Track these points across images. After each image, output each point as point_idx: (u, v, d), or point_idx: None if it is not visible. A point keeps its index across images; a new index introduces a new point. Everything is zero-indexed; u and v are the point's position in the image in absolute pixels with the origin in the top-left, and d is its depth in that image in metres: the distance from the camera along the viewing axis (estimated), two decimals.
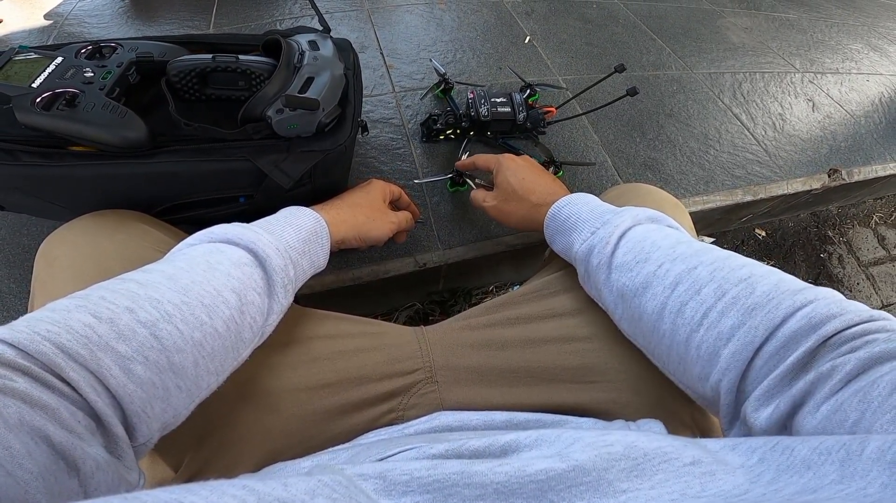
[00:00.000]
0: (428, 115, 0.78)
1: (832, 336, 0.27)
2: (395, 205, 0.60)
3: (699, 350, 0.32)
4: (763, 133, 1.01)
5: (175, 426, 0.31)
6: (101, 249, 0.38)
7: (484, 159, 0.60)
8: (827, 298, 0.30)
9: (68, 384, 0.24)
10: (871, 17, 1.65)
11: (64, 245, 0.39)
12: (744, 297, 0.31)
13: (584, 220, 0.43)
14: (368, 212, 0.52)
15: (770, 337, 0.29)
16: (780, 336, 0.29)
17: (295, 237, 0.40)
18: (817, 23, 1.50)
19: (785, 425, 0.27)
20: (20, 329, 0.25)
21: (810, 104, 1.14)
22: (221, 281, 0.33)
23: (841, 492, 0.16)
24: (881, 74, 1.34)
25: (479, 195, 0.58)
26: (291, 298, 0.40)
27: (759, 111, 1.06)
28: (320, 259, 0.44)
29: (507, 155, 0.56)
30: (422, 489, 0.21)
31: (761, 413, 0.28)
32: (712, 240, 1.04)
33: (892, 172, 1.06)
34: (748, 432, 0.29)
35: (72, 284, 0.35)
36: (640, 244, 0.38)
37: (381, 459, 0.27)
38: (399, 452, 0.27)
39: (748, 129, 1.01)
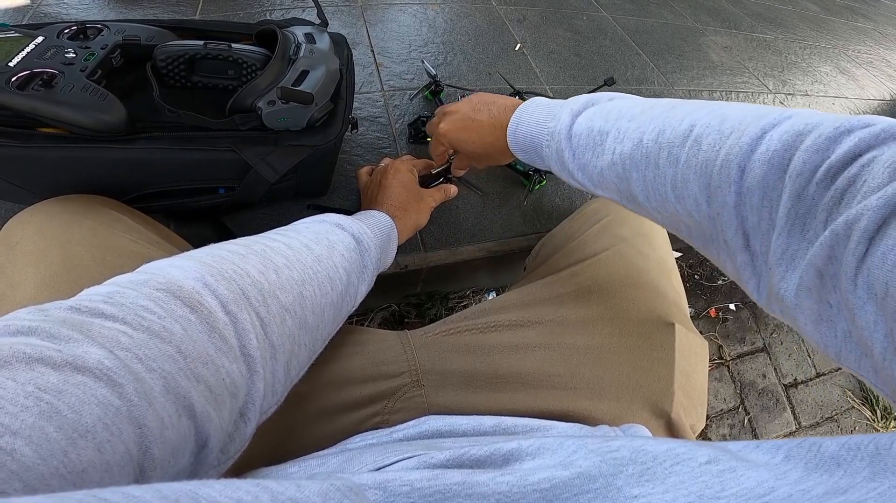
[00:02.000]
0: (416, 116, 0.78)
1: (814, 172, 0.23)
2: (421, 173, 0.61)
3: (692, 217, 0.30)
4: None
5: (276, 408, 0.31)
6: (67, 235, 0.36)
7: (440, 150, 0.57)
8: (780, 124, 0.25)
9: (236, 329, 0.25)
10: (842, 40, 1.74)
11: (27, 229, 0.37)
12: (693, 157, 0.28)
13: (537, 135, 0.43)
14: (416, 204, 0.54)
15: (741, 191, 0.26)
16: (750, 188, 0.25)
17: (380, 236, 0.44)
18: (792, 44, 1.57)
19: (824, 300, 0.23)
20: (208, 263, 0.27)
21: None
22: (338, 260, 0.36)
23: (873, 490, 0.15)
24: (846, 98, 1.42)
25: (459, 162, 0.58)
26: (372, 286, 0.43)
27: None
28: (390, 258, 0.48)
29: (436, 125, 0.55)
30: (423, 500, 0.20)
31: (789, 282, 0.24)
32: (679, 254, 1.07)
33: None
34: (781, 306, 0.25)
35: (33, 269, 0.34)
36: (588, 138, 0.38)
37: (379, 468, 0.26)
38: (398, 461, 0.26)
39: None
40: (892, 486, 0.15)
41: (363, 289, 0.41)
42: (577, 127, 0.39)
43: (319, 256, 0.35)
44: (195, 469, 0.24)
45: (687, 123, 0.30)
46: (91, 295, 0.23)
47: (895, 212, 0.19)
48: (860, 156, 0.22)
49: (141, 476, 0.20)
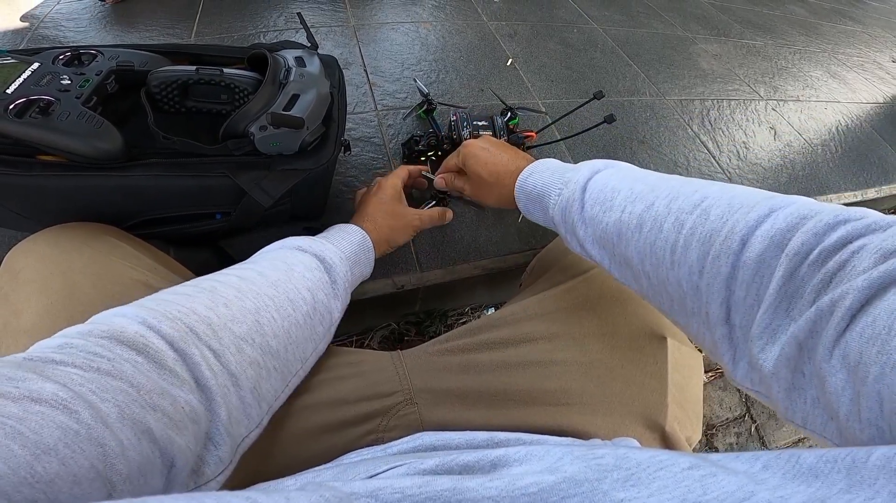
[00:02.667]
0: (410, 135, 0.79)
1: (808, 254, 0.25)
2: (410, 187, 0.62)
3: (681, 287, 0.31)
4: (728, 161, 1.06)
5: (259, 430, 0.33)
6: (68, 263, 0.37)
7: (452, 163, 0.59)
8: (787, 207, 0.27)
9: (186, 364, 0.27)
10: (831, 44, 1.75)
11: (29, 257, 0.38)
12: (700, 225, 0.30)
13: (549, 184, 0.45)
14: (391, 221, 0.55)
15: (737, 264, 0.27)
16: (747, 262, 0.27)
17: (349, 248, 0.46)
18: (781, 49, 1.59)
19: (799, 369, 0.24)
20: (150, 307, 0.29)
21: (772, 132, 1.20)
22: (299, 280, 0.38)
23: (849, 502, 0.15)
24: (838, 102, 1.42)
25: (458, 183, 0.58)
26: (349, 300, 0.45)
27: (724, 139, 1.12)
28: (367, 268, 0.50)
29: (465, 143, 0.56)
30: None
31: (768, 353, 0.26)
32: None
33: (845, 202, 1.12)
34: (759, 375, 0.27)
35: (36, 298, 0.34)
36: (601, 193, 0.39)
37: (371, 477, 0.27)
38: (388, 469, 0.27)
39: (714, 157, 1.06)
40: (867, 499, 0.15)
41: (337, 305, 0.43)
42: (595, 182, 0.40)
43: (276, 281, 0.36)
44: (168, 489, 0.25)
45: (699, 195, 0.32)
46: (42, 347, 0.25)
47: (877, 293, 0.21)
48: (850, 242, 0.24)
49: (112, 489, 0.22)
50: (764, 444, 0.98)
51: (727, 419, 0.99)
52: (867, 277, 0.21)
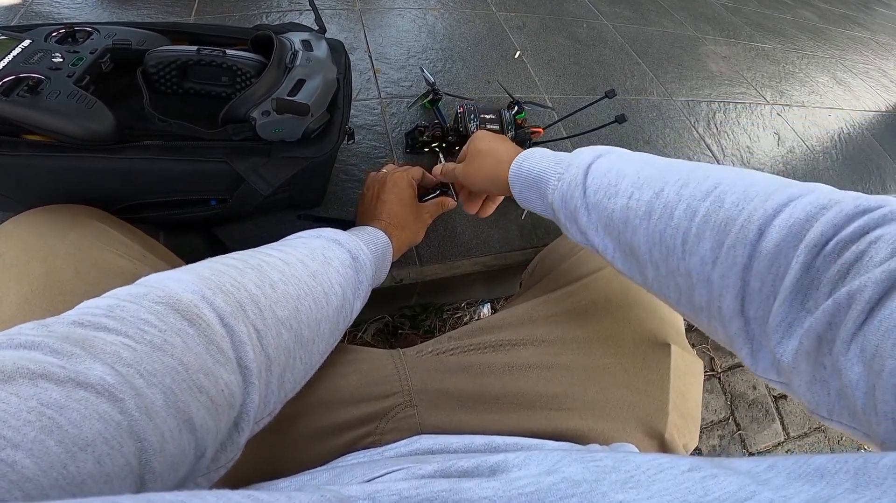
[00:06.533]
0: (414, 125, 0.77)
1: (825, 244, 0.24)
2: (422, 185, 0.60)
3: (690, 278, 0.30)
4: (731, 165, 1.05)
5: (270, 419, 0.32)
6: (50, 248, 0.36)
7: (461, 154, 0.58)
8: (805, 195, 0.26)
9: (232, 341, 0.26)
10: (839, 50, 1.75)
11: (10, 241, 0.36)
12: (714, 213, 0.28)
13: (547, 169, 0.43)
14: (412, 224, 0.54)
15: (753, 254, 0.26)
16: (763, 252, 0.26)
17: (376, 252, 0.45)
18: (790, 54, 1.58)
19: (819, 362, 0.24)
20: (206, 276, 0.27)
21: (776, 137, 1.20)
22: (334, 275, 0.37)
23: (855, 501, 0.15)
24: (842, 109, 1.42)
25: (449, 165, 0.57)
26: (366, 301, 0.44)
27: (729, 143, 1.11)
28: (384, 274, 0.49)
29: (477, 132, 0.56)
30: None
31: (786, 346, 0.25)
32: None
33: None
34: (777, 366, 0.26)
35: (15, 285, 0.33)
36: (605, 177, 0.37)
37: (368, 481, 0.26)
38: (387, 473, 0.27)
39: (718, 161, 1.05)
40: (873, 499, 0.15)
41: (358, 305, 0.42)
42: (598, 166, 0.39)
43: (315, 272, 0.35)
44: (187, 479, 0.24)
45: (712, 182, 0.30)
46: (92, 308, 0.24)
47: (895, 285, 0.20)
48: (868, 233, 0.23)
49: (142, 488, 0.21)
50: (745, 447, 0.99)
51: (712, 422, 1.00)
52: (885, 269, 0.21)
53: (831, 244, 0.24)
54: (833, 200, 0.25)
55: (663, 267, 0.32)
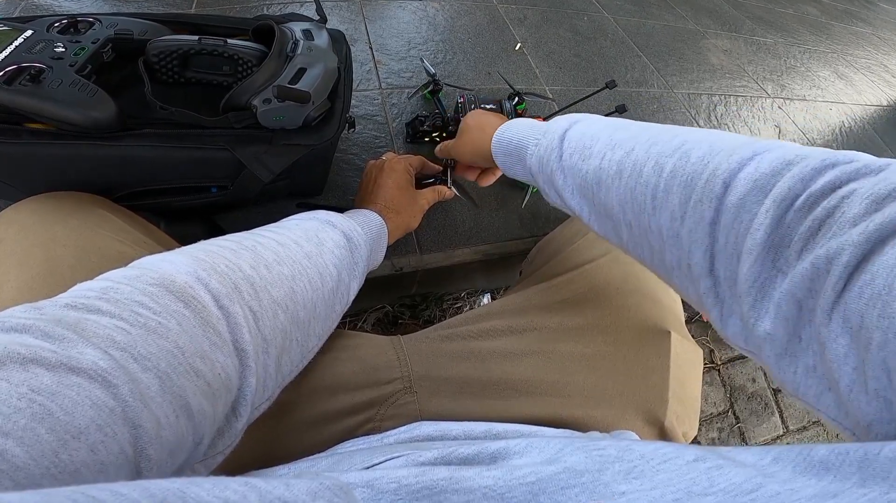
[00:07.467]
0: (414, 115, 0.77)
1: (795, 199, 0.23)
2: (420, 173, 0.61)
3: (661, 235, 0.29)
4: None
5: (269, 404, 0.32)
6: (51, 235, 0.35)
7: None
8: (772, 150, 0.25)
9: (228, 323, 0.26)
10: (841, 45, 1.74)
11: (11, 227, 0.36)
12: (680, 168, 0.28)
13: (526, 136, 0.44)
14: (409, 209, 0.55)
15: (720, 208, 0.25)
16: (728, 206, 0.25)
17: (370, 234, 0.45)
18: (791, 48, 1.57)
19: (796, 334, 0.22)
20: (200, 258, 0.27)
21: (777, 130, 1.20)
22: (328, 256, 0.37)
23: (863, 496, 0.15)
24: (843, 103, 1.42)
25: (447, 142, 0.59)
26: (362, 283, 0.44)
27: None
28: (380, 257, 0.49)
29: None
30: (410, 496, 0.20)
31: (760, 311, 0.24)
32: None
33: None
34: (747, 333, 0.25)
35: (16, 271, 0.33)
36: (580, 140, 0.37)
37: (368, 468, 0.26)
38: (386, 460, 0.26)
39: None
40: (882, 493, 0.14)
41: (354, 286, 0.42)
42: (573, 132, 0.39)
43: (309, 253, 0.35)
44: (184, 465, 0.24)
45: (680, 139, 0.30)
46: (85, 290, 0.23)
47: (874, 248, 0.19)
48: (840, 187, 0.22)
49: (138, 476, 0.20)
50: (744, 440, 1.00)
51: (711, 414, 1.00)
52: (863, 230, 0.19)
53: (801, 199, 0.23)
54: (800, 156, 0.24)
55: (636, 226, 0.32)
